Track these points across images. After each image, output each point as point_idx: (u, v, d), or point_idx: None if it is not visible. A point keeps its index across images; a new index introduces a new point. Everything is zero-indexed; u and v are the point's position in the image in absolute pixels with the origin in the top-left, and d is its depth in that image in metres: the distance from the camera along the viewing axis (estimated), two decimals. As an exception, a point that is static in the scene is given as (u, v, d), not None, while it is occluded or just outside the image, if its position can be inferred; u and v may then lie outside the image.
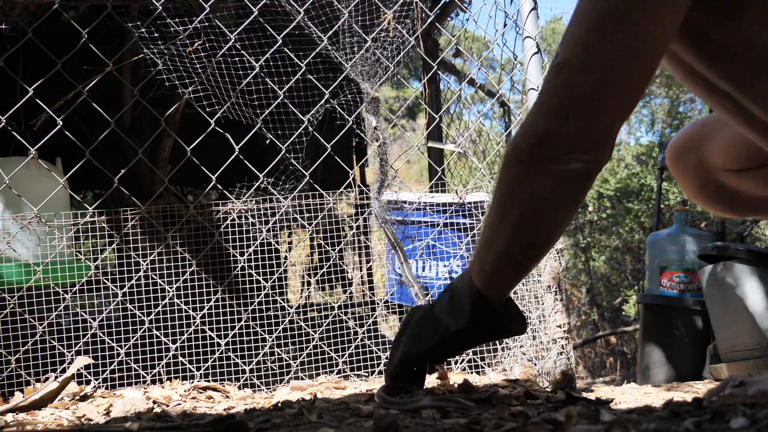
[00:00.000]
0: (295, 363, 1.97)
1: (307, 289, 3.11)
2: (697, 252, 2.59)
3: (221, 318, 2.00)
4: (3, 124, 1.77)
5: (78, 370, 1.57)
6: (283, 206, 2.03)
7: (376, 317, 2.37)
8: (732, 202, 1.21)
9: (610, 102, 0.98)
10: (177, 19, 1.95)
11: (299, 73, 2.01)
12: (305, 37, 2.13)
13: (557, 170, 1.00)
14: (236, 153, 1.94)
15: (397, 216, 2.20)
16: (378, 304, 2.45)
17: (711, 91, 1.04)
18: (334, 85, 2.11)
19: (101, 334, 1.87)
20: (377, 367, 2.01)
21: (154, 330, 1.90)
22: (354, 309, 2.69)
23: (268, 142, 2.07)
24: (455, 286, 1.14)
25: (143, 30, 1.93)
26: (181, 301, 1.94)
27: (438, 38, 3.48)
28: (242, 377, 1.91)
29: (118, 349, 1.85)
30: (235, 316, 2.00)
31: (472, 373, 1.96)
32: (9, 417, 1.31)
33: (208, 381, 1.78)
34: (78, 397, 1.49)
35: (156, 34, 1.95)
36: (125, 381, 1.84)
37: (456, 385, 1.46)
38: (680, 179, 1.28)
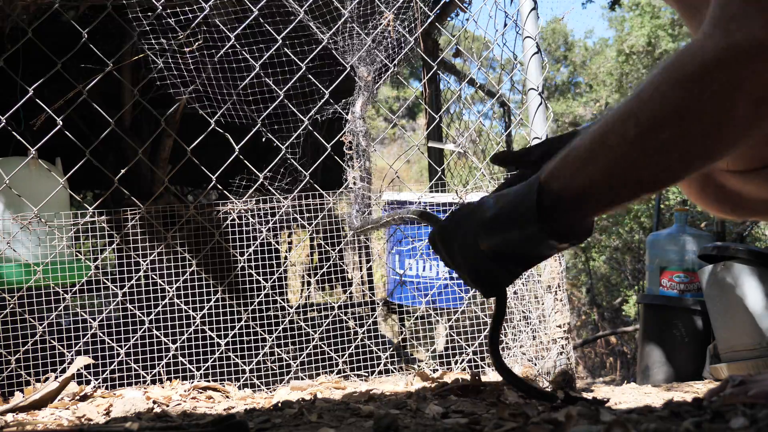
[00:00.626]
0: (295, 363, 1.97)
1: (307, 289, 3.11)
2: (697, 252, 2.59)
3: (221, 318, 2.00)
4: (3, 124, 1.77)
5: (78, 370, 1.57)
6: (283, 206, 2.03)
7: (376, 317, 2.37)
8: (734, 203, 1.18)
9: None
10: (176, 19, 1.95)
11: (299, 73, 2.01)
12: (305, 35, 2.13)
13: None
14: (236, 153, 1.94)
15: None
16: (378, 304, 2.45)
17: None
18: (334, 84, 2.11)
19: (101, 334, 1.87)
20: (377, 367, 2.01)
21: (154, 330, 1.90)
22: (354, 309, 2.69)
23: (264, 139, 2.07)
24: (508, 203, 0.88)
25: (145, 24, 1.92)
26: (181, 301, 1.94)
27: (438, 38, 3.48)
28: (242, 377, 1.91)
29: (118, 349, 1.85)
30: (235, 316, 2.00)
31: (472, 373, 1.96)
32: (9, 417, 1.31)
33: (208, 381, 1.78)
34: (78, 397, 1.49)
35: (155, 35, 1.95)
36: (125, 381, 1.84)
37: (457, 386, 1.46)
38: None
